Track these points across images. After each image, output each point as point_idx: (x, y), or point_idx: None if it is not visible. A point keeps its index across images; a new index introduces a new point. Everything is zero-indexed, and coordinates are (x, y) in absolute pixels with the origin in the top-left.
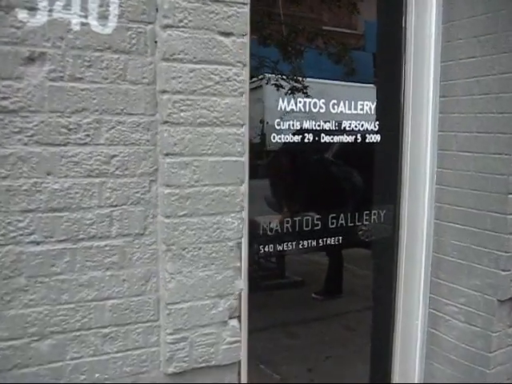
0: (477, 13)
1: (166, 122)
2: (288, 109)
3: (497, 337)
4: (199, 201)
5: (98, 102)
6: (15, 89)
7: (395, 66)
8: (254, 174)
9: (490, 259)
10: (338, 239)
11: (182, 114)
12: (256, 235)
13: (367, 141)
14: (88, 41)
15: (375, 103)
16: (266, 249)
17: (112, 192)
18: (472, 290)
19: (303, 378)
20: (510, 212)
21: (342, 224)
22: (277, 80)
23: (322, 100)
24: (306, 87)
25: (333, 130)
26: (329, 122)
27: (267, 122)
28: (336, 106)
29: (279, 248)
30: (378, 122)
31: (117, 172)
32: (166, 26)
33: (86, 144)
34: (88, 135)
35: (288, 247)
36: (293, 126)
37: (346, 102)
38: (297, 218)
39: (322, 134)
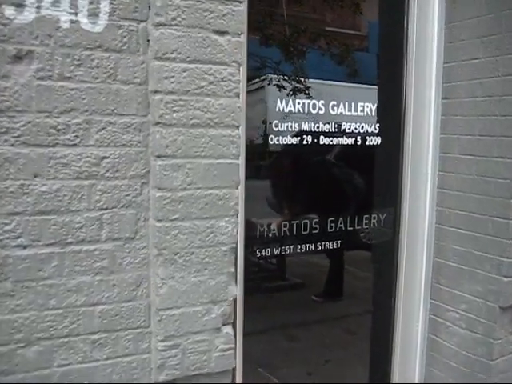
0: (480, 13)
1: (158, 123)
2: (289, 110)
3: (498, 344)
4: (192, 204)
5: (88, 102)
6: (1, 88)
7: (396, 66)
8: (256, 175)
9: (492, 265)
10: (339, 242)
11: (174, 115)
12: (256, 237)
13: (367, 143)
14: (78, 39)
15: (376, 105)
16: (266, 250)
17: (102, 195)
18: (473, 296)
19: (303, 382)
20: None
21: (341, 227)
22: (278, 81)
23: (324, 101)
24: (307, 88)
25: (333, 132)
26: (329, 123)
27: (269, 123)
28: (336, 108)
29: (279, 250)
30: (378, 124)
31: (107, 174)
32: (159, 24)
33: (75, 145)
34: (77, 136)
35: (288, 249)
36: (293, 127)
37: (346, 103)
38: (297, 220)
39: (322, 136)
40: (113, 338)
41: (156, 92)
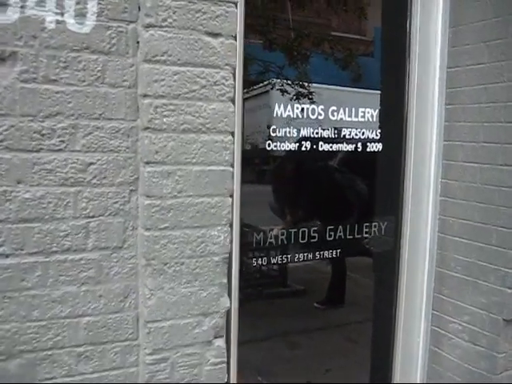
0: (486, 17)
1: (147, 128)
2: (292, 115)
3: (502, 358)
4: (182, 213)
5: (74, 106)
6: None
7: (399, 71)
8: (257, 181)
9: (497, 276)
10: (340, 249)
11: (164, 120)
12: (255, 243)
13: (368, 150)
14: (64, 40)
15: (377, 110)
16: (266, 257)
17: (88, 202)
18: (477, 307)
19: None
20: None
21: (341, 235)
22: (282, 85)
23: (326, 107)
24: (310, 93)
25: (335, 138)
26: (331, 129)
27: (272, 129)
28: (336, 113)
29: (279, 257)
30: (380, 130)
31: (94, 181)
32: (149, 26)
33: (60, 150)
34: (63, 141)
35: (288, 257)
36: (297, 133)
37: (347, 108)
38: (299, 226)
39: (323, 142)
40: (99, 351)
41: (145, 96)
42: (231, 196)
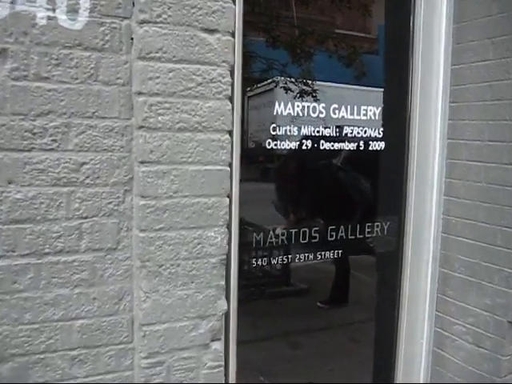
0: (491, 12)
1: (142, 127)
2: (295, 114)
3: (507, 361)
4: (178, 213)
5: (67, 104)
6: None
7: (402, 69)
8: (258, 179)
9: (501, 277)
10: (342, 249)
11: (159, 118)
12: (258, 241)
13: (370, 148)
14: (55, 37)
15: (379, 108)
16: (270, 255)
17: (81, 202)
18: (481, 309)
19: None
20: None
21: (342, 235)
22: (285, 83)
23: (328, 105)
24: (314, 91)
25: (340, 136)
26: (336, 127)
27: (275, 127)
28: (338, 111)
29: (282, 255)
30: (382, 129)
31: (87, 181)
32: (143, 22)
33: (52, 150)
34: (55, 140)
35: (291, 255)
36: (300, 131)
37: (349, 106)
38: (302, 225)
39: (323, 140)
40: (93, 355)
41: (140, 94)
42: (228, 196)
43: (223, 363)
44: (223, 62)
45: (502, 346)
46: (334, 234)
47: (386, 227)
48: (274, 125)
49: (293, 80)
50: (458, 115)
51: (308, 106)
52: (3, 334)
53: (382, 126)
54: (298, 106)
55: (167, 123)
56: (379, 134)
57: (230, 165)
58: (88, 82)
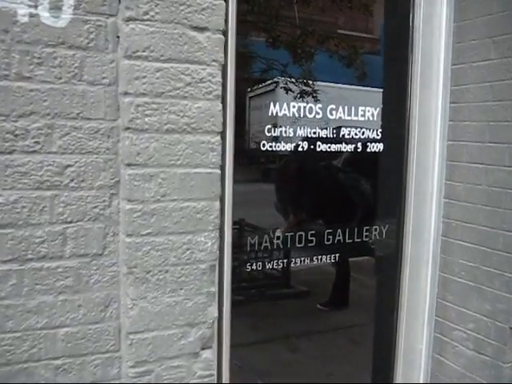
0: (492, 11)
1: (128, 128)
2: (289, 114)
3: (508, 368)
4: (166, 218)
5: (50, 105)
6: None
7: (401, 68)
8: (261, 180)
9: (502, 282)
10: (341, 251)
11: (146, 120)
12: (255, 244)
13: (368, 150)
14: (38, 35)
15: (378, 109)
16: (268, 257)
17: (66, 207)
18: (482, 314)
19: None
20: None
21: (339, 239)
22: (286, 84)
23: (326, 106)
24: (313, 92)
25: (333, 138)
26: (333, 129)
27: (268, 128)
28: (335, 112)
29: (282, 257)
30: (381, 130)
31: (71, 184)
32: (129, 19)
33: (35, 152)
34: (38, 142)
35: (289, 258)
36: (300, 132)
37: (346, 107)
38: (301, 228)
39: (320, 142)
40: (78, 364)
41: (126, 94)
42: (221, 199)
43: (215, 372)
44: (213, 61)
45: (503, 352)
46: (334, 236)
47: (384, 230)
48: (269, 126)
49: (292, 80)
50: (458, 116)
51: (304, 107)
52: None
53: (381, 126)
54: (293, 107)
55: (155, 124)
56: (378, 135)
57: (223, 167)
58: (72, 81)
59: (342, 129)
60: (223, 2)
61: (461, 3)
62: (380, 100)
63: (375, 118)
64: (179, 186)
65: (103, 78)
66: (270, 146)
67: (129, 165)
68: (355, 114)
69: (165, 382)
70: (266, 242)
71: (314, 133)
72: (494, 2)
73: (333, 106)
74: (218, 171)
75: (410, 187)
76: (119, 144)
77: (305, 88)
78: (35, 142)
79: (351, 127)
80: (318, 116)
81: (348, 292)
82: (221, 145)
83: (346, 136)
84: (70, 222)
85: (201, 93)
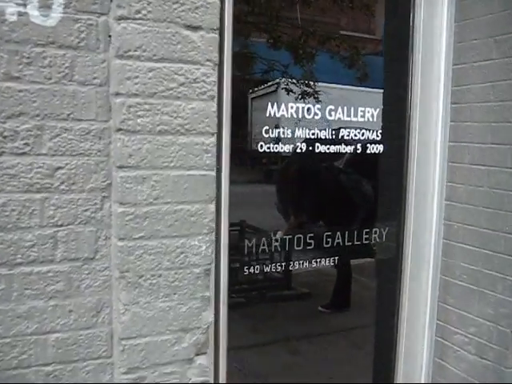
0: (493, 10)
1: (120, 130)
2: (299, 115)
3: (511, 373)
4: (159, 221)
5: (40, 106)
6: None
7: (401, 69)
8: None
9: (505, 286)
10: (341, 253)
11: (138, 121)
12: (259, 244)
13: (368, 151)
14: (27, 34)
15: (378, 110)
16: (271, 259)
17: (56, 210)
18: (484, 319)
19: None
20: None
21: (339, 242)
22: (287, 85)
23: (325, 106)
24: (314, 93)
25: (331, 139)
26: (332, 130)
27: (266, 129)
28: (334, 113)
29: (284, 259)
30: (381, 131)
31: (62, 187)
32: (121, 18)
33: (24, 154)
34: (27, 144)
35: (290, 260)
36: (302, 133)
37: (345, 108)
38: (301, 230)
39: (319, 143)
40: (69, 370)
41: (117, 94)
42: (217, 201)
43: (210, 378)
44: (207, 60)
45: (505, 357)
46: (335, 238)
47: (384, 233)
48: (271, 127)
49: (293, 81)
50: (459, 117)
51: (303, 108)
52: None
53: (382, 127)
54: (291, 108)
55: (147, 126)
56: (377, 136)
57: (219, 169)
58: (62, 82)
59: (347, 130)
60: (217, 0)
61: (462, 2)
62: (380, 101)
63: (375, 119)
64: (172, 189)
65: (94, 78)
66: (272, 148)
67: (121, 167)
68: (355, 115)
69: None
70: (266, 243)
71: (316, 134)
72: (496, 1)
73: (334, 107)
74: (213, 173)
75: (411, 189)
76: (111, 146)
77: (306, 89)
78: (25, 144)
79: (352, 128)
80: (317, 117)
81: (350, 294)
82: (215, 146)
83: (349, 137)
84: (61, 226)
85: (194, 93)
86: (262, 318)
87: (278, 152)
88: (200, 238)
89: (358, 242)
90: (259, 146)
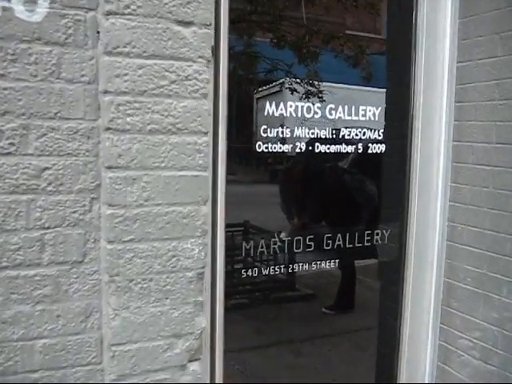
0: (499, 6)
1: (109, 129)
2: (307, 115)
3: None
4: (150, 223)
5: (25, 104)
6: None
7: (404, 66)
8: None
9: (510, 289)
10: (343, 254)
11: (128, 120)
12: (262, 244)
13: (373, 151)
14: (11, 29)
15: (379, 109)
16: (274, 259)
17: (43, 211)
18: (488, 323)
19: None
20: None
21: (339, 244)
22: (291, 84)
23: (325, 105)
24: (315, 92)
25: (332, 139)
26: (332, 129)
27: (264, 128)
28: (334, 112)
29: (287, 260)
30: (383, 130)
31: (49, 188)
32: (109, 13)
33: (9, 154)
34: (12, 144)
35: (294, 261)
36: (306, 133)
37: (346, 106)
38: (304, 231)
39: (319, 143)
40: (58, 377)
41: (106, 92)
42: (213, 203)
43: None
44: (200, 57)
45: (511, 362)
46: (338, 239)
47: (386, 235)
48: (264, 126)
49: (297, 81)
50: (463, 116)
51: (302, 106)
52: None
53: (385, 127)
54: (290, 107)
55: (137, 125)
56: (379, 135)
57: (215, 169)
58: (49, 79)
59: (351, 129)
60: None
61: None
62: (384, 100)
63: (377, 119)
64: (164, 190)
65: (82, 75)
66: (273, 148)
67: (110, 167)
68: (357, 114)
69: None
70: (269, 244)
71: (320, 134)
72: None
73: (336, 107)
74: (206, 174)
75: (414, 189)
76: (100, 145)
77: (310, 88)
78: (10, 144)
79: (357, 128)
80: (316, 116)
81: (354, 295)
82: (208, 146)
83: (354, 137)
84: (48, 228)
85: (186, 91)
86: (265, 319)
87: (285, 152)
88: (192, 240)
89: (362, 243)
90: (263, 146)
